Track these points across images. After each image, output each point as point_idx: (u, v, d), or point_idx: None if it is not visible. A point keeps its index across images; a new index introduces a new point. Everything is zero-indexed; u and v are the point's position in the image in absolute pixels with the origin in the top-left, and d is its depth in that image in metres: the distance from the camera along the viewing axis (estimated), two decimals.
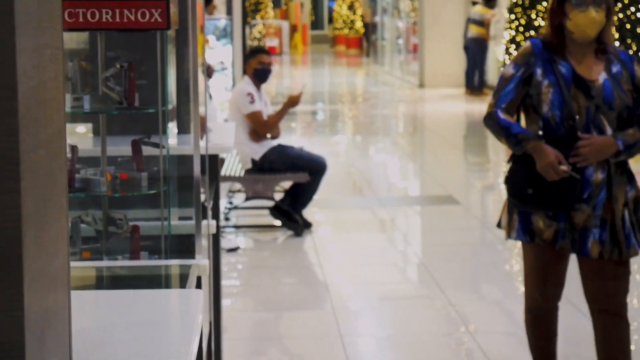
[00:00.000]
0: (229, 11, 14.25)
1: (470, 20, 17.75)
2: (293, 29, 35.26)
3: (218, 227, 4.24)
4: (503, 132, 3.79)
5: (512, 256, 6.91)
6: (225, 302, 5.53)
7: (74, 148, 3.02)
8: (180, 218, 3.31)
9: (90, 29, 2.93)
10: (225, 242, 7.08)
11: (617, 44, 9.72)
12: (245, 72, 7.90)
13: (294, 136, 12.93)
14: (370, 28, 30.41)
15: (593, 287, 3.85)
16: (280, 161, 7.47)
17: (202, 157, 3.32)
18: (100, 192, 3.04)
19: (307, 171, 7.46)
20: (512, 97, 3.81)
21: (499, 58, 15.98)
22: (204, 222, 3.25)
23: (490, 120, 3.83)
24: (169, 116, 3.16)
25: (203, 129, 3.72)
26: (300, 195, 7.55)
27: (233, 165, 7.74)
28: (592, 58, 3.80)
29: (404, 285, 6.38)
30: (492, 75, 17.94)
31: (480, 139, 13.52)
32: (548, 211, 3.75)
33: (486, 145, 13.00)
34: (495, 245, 7.23)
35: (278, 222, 7.62)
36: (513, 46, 14.19)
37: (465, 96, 17.74)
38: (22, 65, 1.25)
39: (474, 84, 17.76)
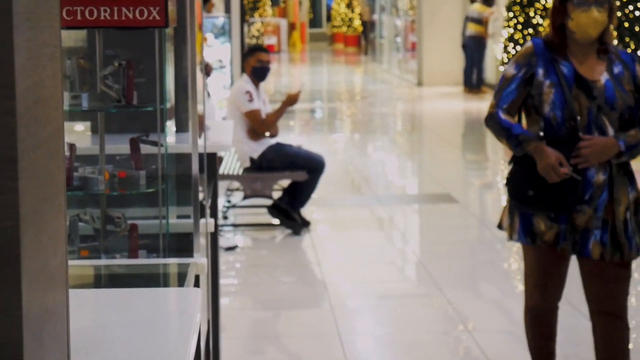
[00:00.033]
0: (227, 9, 14.24)
1: (468, 19, 17.75)
2: (291, 27, 35.25)
3: (216, 225, 4.24)
4: (504, 133, 3.77)
5: (510, 254, 6.91)
6: (223, 301, 5.53)
7: (72, 146, 3.01)
8: (179, 216, 3.31)
9: (88, 26, 2.93)
10: (224, 241, 7.07)
11: (614, 42, 9.71)
12: (243, 70, 7.90)
13: (292, 134, 12.93)
14: (368, 26, 30.40)
15: (594, 289, 3.84)
16: (278, 159, 7.47)
17: (201, 155, 3.32)
18: (98, 191, 3.04)
19: (306, 169, 7.46)
20: (514, 98, 3.79)
21: (498, 56, 15.98)
22: (202, 221, 3.25)
23: (491, 121, 3.81)
24: (167, 114, 3.16)
25: (201, 127, 3.71)
26: (298, 194, 7.55)
27: (231, 164, 7.74)
28: (594, 58, 3.78)
29: (402, 283, 6.38)
30: (491, 74, 17.94)
31: (479, 137, 13.52)
32: (549, 213, 3.73)
33: (484, 143, 13.01)
34: (494, 243, 7.24)
35: (276, 221, 7.62)
36: (511, 44, 14.19)
37: (463, 94, 17.75)
38: (20, 63, 1.25)
39: (472, 82, 17.76)
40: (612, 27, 3.82)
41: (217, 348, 4.41)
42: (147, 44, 3.10)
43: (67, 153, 2.96)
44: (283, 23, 32.24)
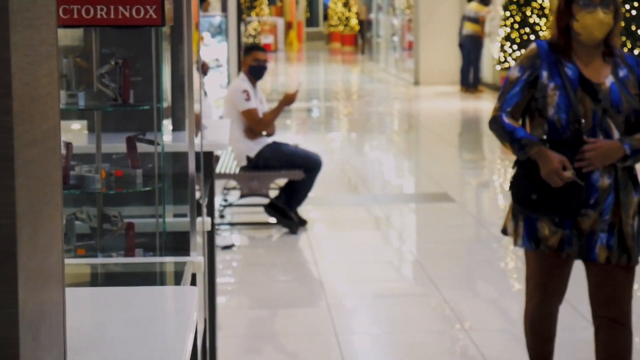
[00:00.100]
0: (224, 8, 14.23)
1: (465, 18, 17.75)
2: (288, 26, 35.24)
3: (213, 224, 4.24)
4: (507, 136, 3.73)
5: (507, 254, 6.92)
6: (220, 300, 5.53)
7: (68, 145, 3.01)
8: (175, 215, 3.31)
9: (84, 25, 2.93)
10: (220, 240, 7.07)
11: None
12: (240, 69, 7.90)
13: (289, 133, 12.92)
14: (365, 25, 30.40)
15: (598, 294, 3.80)
16: (275, 158, 7.47)
17: (197, 154, 3.31)
18: (95, 189, 3.03)
19: (302, 168, 7.46)
20: (518, 101, 3.75)
21: (494, 55, 15.98)
22: (199, 220, 3.25)
23: (495, 124, 3.78)
24: (163, 113, 3.16)
25: (198, 126, 3.71)
26: (295, 193, 7.55)
27: (228, 163, 7.74)
28: (599, 61, 3.74)
29: (399, 282, 6.39)
30: (487, 73, 17.95)
31: (476, 137, 13.52)
32: (553, 217, 3.70)
33: (481, 142, 13.01)
34: (490, 242, 7.24)
35: (273, 220, 7.62)
36: (508, 43, 14.20)
37: (460, 93, 17.75)
38: (16, 61, 1.25)
39: (469, 81, 17.77)
40: (618, 30, 3.76)
41: (213, 347, 4.41)
42: (144, 43, 3.10)
43: (63, 151, 2.96)
44: (280, 22, 32.22)
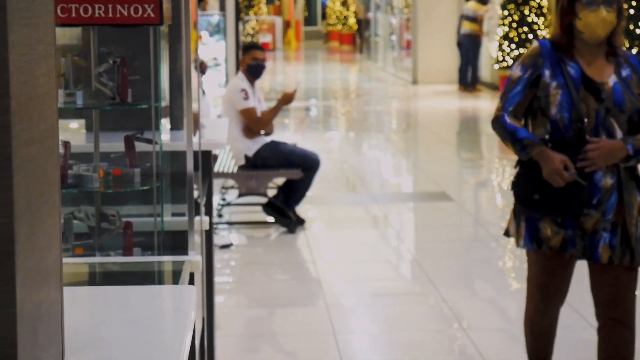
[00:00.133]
0: (222, 7, 14.22)
1: (463, 17, 17.76)
2: (286, 25, 35.23)
3: (211, 223, 4.23)
4: (509, 137, 3.71)
5: (505, 253, 6.92)
6: (218, 299, 5.53)
7: (66, 144, 3.01)
8: (173, 214, 3.31)
9: (82, 24, 2.93)
10: (218, 239, 7.07)
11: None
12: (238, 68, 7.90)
13: (287, 132, 12.92)
14: (363, 24, 30.40)
15: (603, 296, 3.78)
16: (273, 157, 7.47)
17: (195, 153, 3.31)
18: (93, 188, 3.03)
19: (301, 168, 7.46)
20: (520, 100, 3.73)
21: (492, 54, 15.99)
22: (197, 219, 3.25)
23: (497, 124, 3.76)
24: (162, 112, 3.15)
25: (196, 125, 3.71)
26: (293, 192, 7.55)
27: (226, 162, 7.74)
28: (602, 60, 3.72)
29: (397, 282, 6.39)
30: (486, 72, 17.95)
31: (474, 136, 13.52)
32: (555, 217, 3.68)
33: (479, 141, 13.01)
34: (489, 242, 7.24)
35: (271, 219, 7.62)
36: (506, 42, 14.20)
37: (458, 92, 17.75)
38: (14, 60, 1.24)
39: (467, 80, 17.77)
40: (621, 29, 3.73)
41: (211, 346, 4.41)
42: (142, 42, 3.10)
43: (61, 151, 2.95)
44: (278, 21, 32.22)
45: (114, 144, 3.22)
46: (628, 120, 3.69)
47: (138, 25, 2.92)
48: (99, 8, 2.88)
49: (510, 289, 6.10)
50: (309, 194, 7.73)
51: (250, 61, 7.51)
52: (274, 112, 7.57)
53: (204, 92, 8.24)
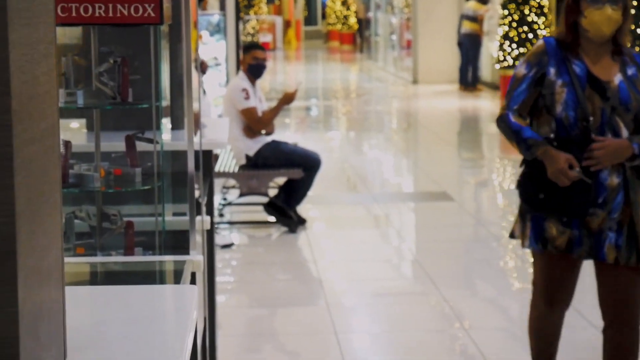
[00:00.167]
0: (223, 7, 14.22)
1: (463, 16, 17.75)
2: (286, 24, 35.23)
3: (212, 223, 4.23)
4: (514, 136, 3.69)
5: (505, 252, 6.92)
6: (219, 299, 5.53)
7: (67, 143, 3.01)
8: (175, 214, 3.30)
9: (83, 23, 2.93)
10: (220, 239, 7.07)
11: None
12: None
13: (288, 132, 12.92)
14: (363, 24, 30.39)
15: (609, 296, 3.76)
16: (274, 157, 7.47)
17: (196, 152, 3.31)
18: (94, 188, 3.03)
19: (301, 167, 7.45)
20: (524, 98, 3.71)
21: (493, 54, 15.98)
22: (198, 218, 3.24)
23: (502, 123, 3.73)
24: (162, 111, 3.15)
25: (197, 124, 3.71)
26: (294, 192, 7.54)
27: (227, 161, 7.74)
28: (608, 59, 3.70)
29: (398, 281, 6.38)
30: (486, 72, 17.95)
31: (474, 135, 13.52)
32: (560, 216, 3.65)
33: (480, 141, 13.01)
34: (489, 241, 7.24)
35: (272, 218, 7.62)
36: (507, 42, 14.20)
37: (458, 92, 17.75)
38: (15, 60, 1.24)
39: (468, 80, 17.76)
40: (626, 27, 3.69)
41: (213, 345, 4.40)
42: (142, 41, 3.10)
43: (62, 150, 2.95)
44: (278, 21, 32.22)
45: (115, 143, 3.22)
46: (634, 119, 3.66)
47: (138, 25, 2.92)
48: (99, 7, 2.88)
49: (512, 288, 6.10)
50: (310, 193, 7.73)
51: (251, 61, 7.51)
52: (274, 111, 7.57)
53: (204, 92, 8.24)
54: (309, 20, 40.12)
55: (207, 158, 4.31)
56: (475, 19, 17.49)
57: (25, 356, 1.26)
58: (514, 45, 14.16)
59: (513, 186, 9.30)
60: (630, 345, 3.78)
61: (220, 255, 6.73)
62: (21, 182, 1.26)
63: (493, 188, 9.69)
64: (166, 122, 3.90)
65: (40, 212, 1.36)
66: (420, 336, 5.16)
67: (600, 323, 3.92)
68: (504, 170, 10.45)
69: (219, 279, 5.91)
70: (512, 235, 3.87)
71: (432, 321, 5.40)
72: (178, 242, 3.07)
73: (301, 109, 16.03)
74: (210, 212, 4.35)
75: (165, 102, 3.81)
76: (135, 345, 1.76)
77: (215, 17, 12.41)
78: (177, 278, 2.57)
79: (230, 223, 7.80)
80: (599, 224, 3.66)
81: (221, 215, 7.83)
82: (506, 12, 14.16)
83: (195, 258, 2.74)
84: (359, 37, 31.92)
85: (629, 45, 3.76)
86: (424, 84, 19.27)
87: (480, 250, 6.99)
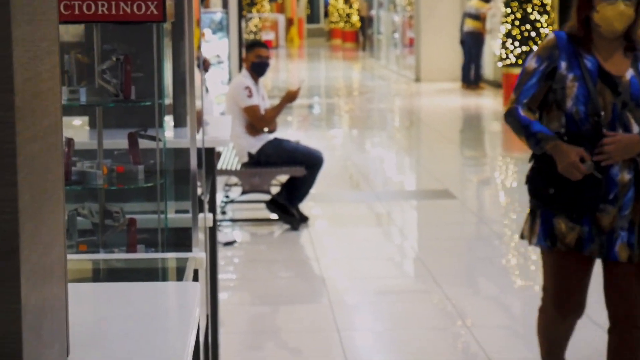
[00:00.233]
0: (225, 4, 14.22)
1: (466, 14, 17.74)
2: (289, 22, 35.22)
3: (215, 220, 4.23)
4: (523, 130, 3.64)
5: (508, 251, 6.92)
6: (222, 296, 5.53)
7: (70, 141, 3.01)
8: (177, 211, 3.31)
9: (86, 21, 2.93)
10: (222, 236, 7.07)
11: None
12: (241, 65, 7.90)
13: (290, 130, 12.92)
14: (366, 22, 30.37)
15: (616, 295, 3.72)
16: (276, 155, 7.47)
17: (199, 150, 3.31)
18: (96, 185, 3.04)
19: (304, 165, 7.46)
20: (534, 92, 3.66)
21: (495, 52, 15.97)
22: (201, 216, 3.25)
23: (510, 116, 3.69)
24: (165, 109, 3.16)
25: (199, 122, 3.71)
26: (296, 189, 7.55)
27: (230, 159, 7.74)
28: (620, 54, 3.66)
29: (401, 279, 6.38)
30: (488, 70, 17.94)
31: (477, 134, 13.51)
32: (570, 212, 3.61)
33: (482, 139, 13.00)
34: (492, 239, 7.24)
35: (274, 216, 7.62)
36: (509, 40, 14.19)
37: (461, 90, 17.74)
38: (18, 57, 1.24)
39: (470, 78, 17.76)
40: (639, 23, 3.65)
41: (215, 343, 4.41)
42: (145, 39, 3.10)
43: (65, 147, 2.96)
44: (281, 19, 32.21)
45: (117, 141, 3.22)
46: None
47: (141, 23, 2.92)
48: (102, 5, 2.88)
49: (514, 286, 6.10)
50: (312, 191, 7.73)
51: (254, 59, 7.51)
52: (277, 109, 7.57)
53: (207, 90, 8.24)
54: (312, 18, 40.11)
55: (209, 156, 4.31)
56: (478, 17, 17.47)
57: (28, 352, 1.27)
58: (517, 44, 14.15)
59: (515, 184, 9.30)
60: (637, 345, 3.74)
61: (222, 253, 6.73)
62: (24, 179, 1.26)
63: (495, 186, 9.69)
64: (169, 120, 3.90)
65: (43, 209, 1.36)
66: (423, 334, 5.16)
67: (602, 321, 3.91)
68: (506, 168, 10.44)
69: (221, 276, 5.91)
70: (522, 236, 3.83)
71: (435, 319, 5.40)
72: (180, 239, 3.08)
73: (304, 106, 16.03)
74: (212, 209, 4.36)
75: (168, 100, 3.81)
76: (137, 343, 1.76)
77: (218, 15, 12.41)
78: (180, 275, 2.57)
79: (233, 221, 7.80)
80: (610, 222, 3.61)
81: (223, 212, 7.84)
82: (509, 10, 14.15)
83: (198, 255, 2.74)
84: (361, 35, 31.90)
85: None
86: (427, 82, 19.26)
87: (482, 248, 6.98)
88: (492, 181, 9.94)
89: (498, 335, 5.13)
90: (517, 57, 14.08)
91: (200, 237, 3.09)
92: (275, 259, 6.82)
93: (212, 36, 11.97)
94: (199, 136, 3.38)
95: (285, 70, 24.33)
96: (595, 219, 3.62)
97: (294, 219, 7.47)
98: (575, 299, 3.79)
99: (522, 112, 3.67)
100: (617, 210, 3.61)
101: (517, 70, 13.62)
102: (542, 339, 3.93)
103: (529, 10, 13.98)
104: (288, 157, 7.47)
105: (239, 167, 7.51)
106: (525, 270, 6.38)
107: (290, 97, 7.64)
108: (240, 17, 16.10)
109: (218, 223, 5.59)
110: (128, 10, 2.89)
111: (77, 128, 3.83)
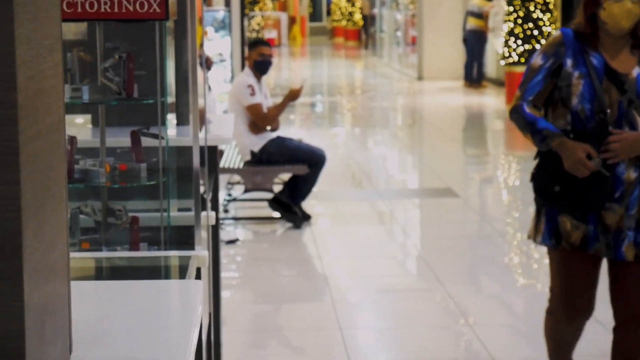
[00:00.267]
0: (228, 3, 14.22)
1: (469, 13, 17.73)
2: (291, 20, 35.21)
3: (217, 218, 4.23)
4: (528, 127, 3.62)
5: (510, 249, 6.92)
6: (224, 294, 5.53)
7: (73, 139, 3.01)
8: (180, 209, 3.31)
9: (88, 19, 2.93)
10: (225, 234, 7.07)
11: None
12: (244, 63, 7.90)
13: (293, 128, 12.92)
14: (369, 20, 30.36)
15: (623, 295, 3.69)
16: (279, 153, 7.47)
17: (202, 148, 3.31)
18: (99, 183, 3.04)
19: (306, 163, 7.45)
20: (540, 89, 3.64)
21: (498, 50, 15.96)
22: (203, 214, 3.25)
23: (516, 113, 3.66)
24: (168, 107, 3.16)
25: (202, 120, 3.71)
26: (299, 188, 7.55)
27: (232, 157, 7.74)
28: (626, 52, 3.63)
29: (403, 277, 6.38)
30: (491, 68, 17.92)
31: (479, 132, 13.51)
32: (576, 210, 3.58)
33: (485, 138, 13.00)
34: (494, 238, 7.24)
35: (277, 214, 7.62)
36: (512, 38, 14.18)
37: (464, 89, 17.73)
38: (21, 55, 1.24)
39: (473, 76, 17.75)
40: None
41: (218, 341, 4.41)
42: (148, 37, 3.10)
43: (67, 145, 2.96)
44: (283, 17, 32.21)
45: (120, 139, 3.22)
46: None
47: (144, 21, 2.92)
48: (105, 3, 2.88)
49: (516, 285, 6.10)
50: (314, 189, 7.73)
51: (257, 57, 7.51)
52: (280, 108, 7.57)
53: (209, 88, 8.24)
54: (314, 16, 40.10)
55: (212, 154, 4.31)
56: (481, 16, 17.46)
57: (31, 351, 1.27)
58: (519, 42, 14.14)
59: (518, 182, 9.30)
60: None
61: (225, 251, 6.73)
62: (27, 177, 1.26)
63: (498, 184, 9.68)
64: (171, 118, 3.90)
65: (46, 207, 1.36)
66: (425, 332, 5.16)
67: (606, 320, 3.90)
68: (509, 166, 10.44)
69: (223, 274, 5.91)
70: (529, 236, 3.80)
71: (437, 317, 5.40)
72: (183, 237, 3.08)
73: (306, 105, 16.02)
74: (215, 207, 4.36)
75: (171, 98, 3.81)
76: (140, 340, 1.76)
77: (221, 13, 12.41)
78: (182, 273, 2.57)
79: (235, 219, 7.81)
80: (616, 221, 3.59)
81: (226, 211, 7.84)
82: (511, 8, 14.14)
83: (200, 253, 2.74)
84: (364, 34, 31.89)
85: None
86: (429, 80, 19.25)
87: (485, 247, 6.98)
88: (495, 179, 9.94)
89: (500, 333, 5.12)
90: (520, 55, 14.07)
91: (202, 235, 3.09)
92: (277, 257, 6.82)
93: (214, 34, 11.97)
94: (201, 134, 3.38)
95: (288, 68, 24.32)
96: (600, 217, 3.60)
97: (297, 217, 7.47)
98: (581, 299, 3.76)
99: (527, 109, 3.64)
100: (624, 209, 3.58)
101: (519, 69, 13.62)
102: (549, 340, 3.90)
103: (532, 8, 13.97)
104: (290, 155, 7.47)
105: (241, 166, 7.51)
106: (527, 269, 6.38)
107: (292, 95, 7.63)
108: (243, 15, 16.10)
109: (220, 221, 5.59)
110: (131, 8, 2.89)
111: (79, 126, 3.83)
